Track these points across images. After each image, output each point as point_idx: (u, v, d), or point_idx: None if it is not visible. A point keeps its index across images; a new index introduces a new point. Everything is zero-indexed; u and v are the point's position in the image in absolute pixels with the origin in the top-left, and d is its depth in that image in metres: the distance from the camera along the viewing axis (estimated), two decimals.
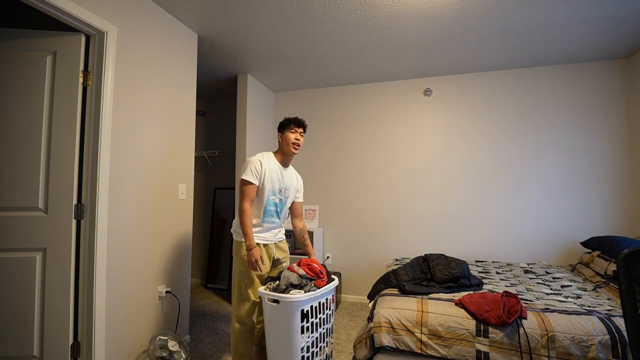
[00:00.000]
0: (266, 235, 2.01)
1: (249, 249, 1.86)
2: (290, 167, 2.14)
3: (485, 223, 3.22)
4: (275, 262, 2.10)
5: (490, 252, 3.20)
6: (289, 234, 3.67)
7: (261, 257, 1.89)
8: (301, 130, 2.06)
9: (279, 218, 2.09)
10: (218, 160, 4.26)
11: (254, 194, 1.94)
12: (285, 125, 2.05)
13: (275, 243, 2.08)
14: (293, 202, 2.18)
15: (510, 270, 2.68)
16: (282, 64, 3.16)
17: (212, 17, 2.35)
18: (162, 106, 2.29)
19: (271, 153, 2.08)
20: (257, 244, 1.95)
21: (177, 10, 2.29)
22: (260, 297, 2.00)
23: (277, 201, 2.05)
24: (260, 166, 1.95)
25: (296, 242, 3.80)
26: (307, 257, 2.12)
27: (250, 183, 1.91)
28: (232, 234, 2.06)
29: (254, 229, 1.94)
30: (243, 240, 1.93)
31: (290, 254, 3.51)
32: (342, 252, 3.63)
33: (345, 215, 3.64)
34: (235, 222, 2.03)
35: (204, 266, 4.19)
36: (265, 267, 1.99)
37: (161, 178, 2.28)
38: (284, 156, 2.07)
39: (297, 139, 2.03)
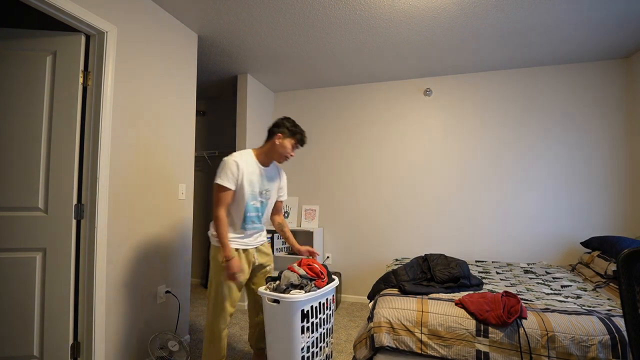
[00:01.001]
0: (247, 241, 1.88)
1: (227, 260, 1.73)
2: (272, 165, 1.98)
3: (485, 223, 3.22)
4: (258, 267, 1.98)
5: (490, 252, 3.20)
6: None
7: (241, 268, 1.77)
8: (300, 147, 1.95)
9: (261, 222, 1.95)
10: (218, 160, 4.26)
11: (229, 200, 1.79)
12: (291, 134, 1.88)
13: (256, 247, 1.95)
14: (277, 201, 2.05)
15: (510, 270, 2.68)
16: (282, 64, 3.16)
17: (212, 17, 2.35)
18: (162, 106, 2.29)
19: (250, 151, 1.90)
20: (237, 249, 1.83)
21: (177, 10, 2.29)
22: (260, 298, 1.99)
23: (259, 205, 1.90)
24: (237, 168, 1.77)
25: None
26: (307, 257, 2.08)
27: (226, 188, 1.76)
28: (209, 237, 1.92)
29: (233, 236, 1.83)
30: (219, 245, 1.80)
31: (290, 253, 3.52)
32: (342, 252, 3.63)
33: (346, 215, 3.64)
34: (213, 225, 1.89)
35: (204, 266, 4.19)
36: (244, 275, 1.87)
37: (161, 178, 2.28)
38: (268, 159, 1.92)
39: (292, 154, 1.91)
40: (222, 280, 1.81)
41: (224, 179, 1.76)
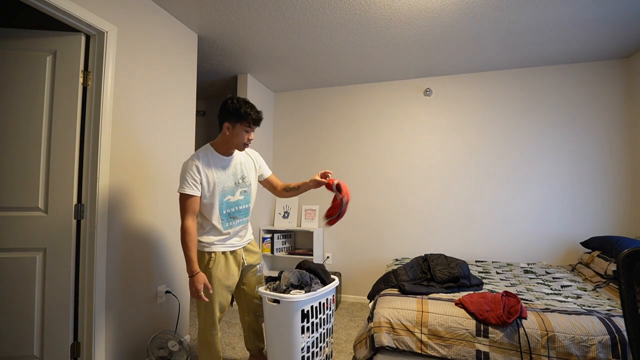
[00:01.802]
0: (233, 242, 1.79)
1: (191, 276, 1.61)
2: (235, 152, 1.81)
3: (485, 223, 3.22)
4: (248, 268, 1.90)
5: (490, 252, 3.20)
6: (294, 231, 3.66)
7: (205, 285, 1.64)
8: (257, 126, 1.71)
9: (246, 215, 1.84)
10: None
11: (197, 207, 1.67)
12: (240, 118, 1.63)
13: (244, 247, 1.87)
14: (265, 179, 1.93)
15: (510, 270, 2.68)
16: (282, 64, 3.16)
17: (212, 17, 2.35)
18: (162, 106, 2.29)
19: (209, 146, 1.75)
20: (223, 252, 1.75)
21: (177, 10, 2.29)
22: (252, 300, 1.95)
23: (240, 198, 1.78)
24: (198, 172, 1.65)
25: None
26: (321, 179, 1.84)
27: (190, 196, 1.63)
28: None
29: (217, 239, 1.74)
30: (209, 250, 1.73)
31: (289, 253, 3.52)
32: (342, 252, 3.63)
33: (346, 215, 3.63)
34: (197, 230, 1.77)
35: None
36: (233, 278, 1.80)
37: (161, 178, 2.28)
38: (228, 150, 1.75)
39: (250, 139, 1.71)
40: (210, 286, 1.70)
41: (186, 187, 1.63)
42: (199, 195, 1.67)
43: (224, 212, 1.74)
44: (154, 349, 2.05)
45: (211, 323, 1.76)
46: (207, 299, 1.66)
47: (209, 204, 1.71)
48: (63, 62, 1.81)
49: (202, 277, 1.63)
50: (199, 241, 1.75)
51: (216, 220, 1.73)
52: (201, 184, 1.67)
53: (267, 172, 1.96)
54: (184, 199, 1.65)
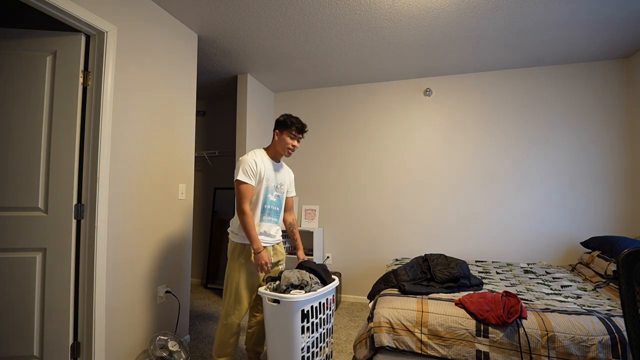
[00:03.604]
0: (265, 238, 1.94)
1: (257, 252, 1.82)
2: (282, 162, 2.12)
3: (485, 223, 3.22)
4: (273, 265, 2.05)
5: (490, 252, 3.20)
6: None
7: (268, 258, 1.85)
8: (301, 136, 2.01)
9: (278, 217, 2.05)
10: (218, 160, 4.26)
11: (251, 194, 1.89)
12: (287, 126, 1.96)
13: (273, 245, 2.02)
14: (285, 197, 2.16)
15: (510, 270, 2.68)
16: (282, 64, 3.16)
17: (212, 17, 2.35)
18: (162, 106, 2.29)
19: (262, 150, 2.03)
20: None
21: (177, 10, 2.29)
22: (260, 299, 1.99)
23: (275, 199, 2.00)
24: (255, 165, 1.89)
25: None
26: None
27: (246, 183, 1.87)
28: (229, 234, 2.00)
29: None
30: (242, 242, 1.90)
31: (290, 253, 3.52)
32: (342, 252, 3.63)
33: (345, 215, 3.64)
34: (234, 223, 1.96)
35: (204, 266, 4.19)
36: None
37: (161, 178, 2.28)
38: (276, 154, 2.03)
39: (294, 145, 1.99)
40: (240, 276, 1.89)
41: (243, 175, 1.87)
42: (254, 185, 1.90)
43: (264, 206, 1.95)
44: (154, 349, 2.05)
45: (237, 312, 1.89)
46: (270, 272, 1.95)
47: (256, 196, 1.93)
48: (63, 62, 1.81)
49: (266, 253, 1.86)
50: (236, 234, 1.93)
51: (257, 210, 1.92)
52: (255, 175, 1.90)
53: (291, 193, 2.19)
54: (241, 185, 1.86)
